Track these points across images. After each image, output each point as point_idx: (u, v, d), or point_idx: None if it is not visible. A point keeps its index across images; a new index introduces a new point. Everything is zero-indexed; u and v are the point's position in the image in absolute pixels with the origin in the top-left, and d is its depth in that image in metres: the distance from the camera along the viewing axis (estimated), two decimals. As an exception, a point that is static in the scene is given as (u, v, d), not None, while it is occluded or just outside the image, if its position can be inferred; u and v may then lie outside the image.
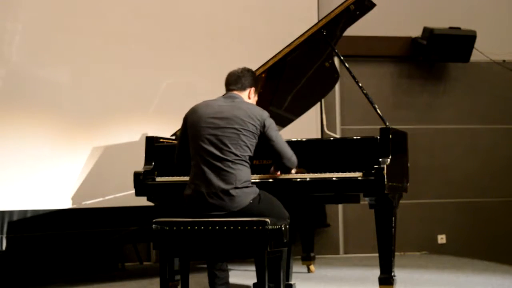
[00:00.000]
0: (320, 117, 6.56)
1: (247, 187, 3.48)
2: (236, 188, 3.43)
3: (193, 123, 3.59)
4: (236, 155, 3.47)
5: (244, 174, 3.48)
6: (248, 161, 3.53)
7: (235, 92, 3.68)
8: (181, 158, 3.74)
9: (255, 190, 3.52)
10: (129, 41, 5.47)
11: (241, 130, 3.49)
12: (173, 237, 3.40)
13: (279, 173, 3.84)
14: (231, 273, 5.13)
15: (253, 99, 3.77)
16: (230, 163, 3.45)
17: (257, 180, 3.80)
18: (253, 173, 3.85)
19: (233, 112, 3.53)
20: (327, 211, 6.65)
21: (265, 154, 3.80)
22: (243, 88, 3.71)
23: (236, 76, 3.71)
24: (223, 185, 3.43)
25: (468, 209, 7.06)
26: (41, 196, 4.99)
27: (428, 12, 7.03)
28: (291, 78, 4.65)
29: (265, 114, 3.59)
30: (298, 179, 3.83)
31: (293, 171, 3.83)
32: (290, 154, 3.66)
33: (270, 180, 3.85)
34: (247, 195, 3.46)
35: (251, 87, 3.74)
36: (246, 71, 3.75)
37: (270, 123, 3.58)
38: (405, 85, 7.12)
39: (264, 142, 3.58)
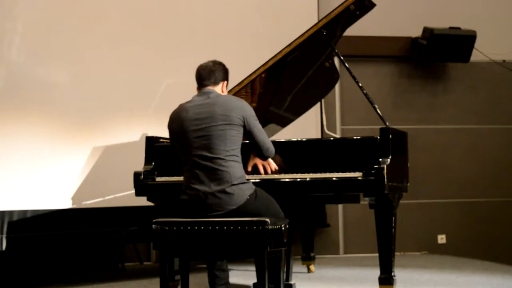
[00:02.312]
0: (320, 117, 6.56)
1: (243, 183, 3.47)
2: (232, 185, 3.43)
3: (176, 131, 3.59)
4: (226, 150, 3.46)
5: (237, 170, 3.48)
6: (239, 155, 3.53)
7: (209, 87, 3.66)
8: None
9: (251, 186, 3.52)
10: (129, 41, 5.47)
11: (226, 125, 3.48)
12: (173, 237, 3.40)
13: (259, 164, 3.84)
14: (231, 273, 5.13)
15: (225, 92, 3.75)
16: (221, 161, 3.45)
17: (257, 180, 3.80)
18: (253, 173, 3.86)
19: (213, 108, 3.52)
20: (327, 211, 6.65)
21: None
22: (216, 83, 3.68)
23: (209, 70, 3.68)
24: (219, 185, 3.43)
25: (468, 209, 7.06)
26: (41, 196, 4.99)
27: (428, 12, 7.03)
28: (291, 78, 4.65)
29: (244, 103, 3.59)
30: (298, 179, 3.83)
31: (272, 164, 3.83)
32: (268, 145, 3.65)
33: (271, 180, 3.84)
34: (243, 192, 3.46)
35: (223, 80, 3.72)
36: (218, 64, 3.72)
37: (250, 112, 3.58)
38: (405, 85, 7.12)
39: (246, 133, 3.58)
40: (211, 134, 3.48)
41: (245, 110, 3.56)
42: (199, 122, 3.51)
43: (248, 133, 3.59)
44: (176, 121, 3.60)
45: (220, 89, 3.70)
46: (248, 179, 3.56)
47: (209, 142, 3.47)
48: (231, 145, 3.48)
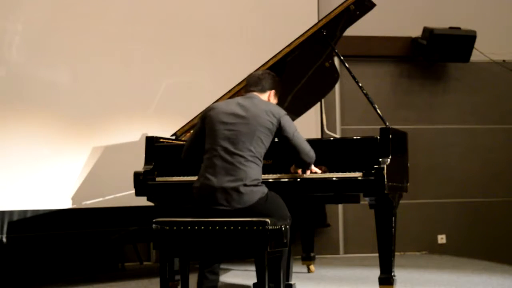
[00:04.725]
0: (320, 117, 6.56)
1: (256, 185, 3.48)
2: (245, 185, 3.44)
3: (211, 119, 3.62)
4: (250, 151, 3.49)
5: (255, 172, 3.49)
6: (261, 159, 3.55)
7: (255, 93, 3.71)
8: (190, 154, 3.76)
9: (263, 190, 3.51)
10: (129, 41, 5.47)
11: (256, 126, 3.51)
12: (173, 237, 3.40)
13: (300, 171, 3.83)
14: (231, 273, 5.14)
15: (273, 101, 3.79)
16: (242, 159, 3.47)
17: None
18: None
19: (251, 109, 3.57)
20: (327, 211, 6.65)
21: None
22: (263, 90, 3.73)
23: (257, 78, 3.75)
24: (233, 181, 3.44)
25: (468, 209, 7.06)
26: (41, 196, 4.99)
27: (428, 12, 7.03)
28: (291, 78, 4.65)
29: (281, 111, 3.62)
30: (298, 179, 3.83)
31: (314, 169, 3.81)
32: (308, 150, 3.66)
33: (270, 180, 3.85)
34: (254, 194, 3.46)
35: (271, 89, 3.76)
36: (267, 73, 3.79)
37: (286, 120, 3.61)
38: (405, 85, 7.12)
39: (281, 139, 3.61)
40: (240, 130, 3.51)
41: (282, 116, 3.58)
42: (233, 118, 3.55)
43: (284, 140, 3.60)
44: (215, 110, 3.64)
45: (266, 97, 3.74)
46: (261, 183, 3.55)
47: (236, 138, 3.50)
48: (256, 147, 3.51)
